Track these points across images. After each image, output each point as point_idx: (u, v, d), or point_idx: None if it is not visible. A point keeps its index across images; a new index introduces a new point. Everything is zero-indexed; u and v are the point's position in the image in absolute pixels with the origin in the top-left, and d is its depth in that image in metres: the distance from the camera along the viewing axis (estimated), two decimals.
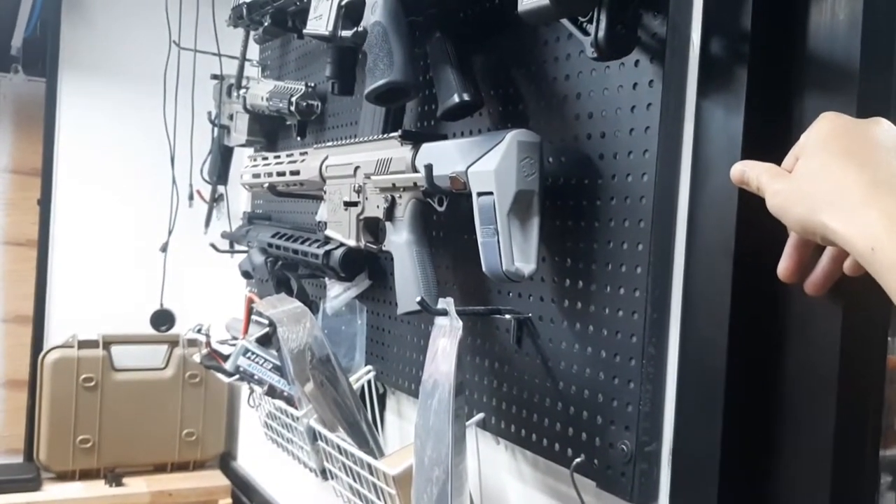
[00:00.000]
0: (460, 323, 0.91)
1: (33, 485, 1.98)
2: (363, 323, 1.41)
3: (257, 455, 2.10)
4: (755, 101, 0.74)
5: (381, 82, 0.97)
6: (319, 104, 1.57)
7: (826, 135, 0.60)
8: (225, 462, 2.22)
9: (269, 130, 1.81)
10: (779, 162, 0.64)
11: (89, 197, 2.14)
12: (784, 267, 0.68)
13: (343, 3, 1.10)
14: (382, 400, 1.40)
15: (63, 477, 2.04)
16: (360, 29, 1.05)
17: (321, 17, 1.14)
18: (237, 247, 1.84)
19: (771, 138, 0.74)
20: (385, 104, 1.07)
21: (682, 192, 0.81)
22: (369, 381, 1.38)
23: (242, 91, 1.75)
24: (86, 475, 2.05)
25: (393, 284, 1.32)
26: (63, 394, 2.02)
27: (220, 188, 2.05)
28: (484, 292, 1.08)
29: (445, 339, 0.96)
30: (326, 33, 1.12)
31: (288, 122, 1.67)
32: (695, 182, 0.79)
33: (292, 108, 1.56)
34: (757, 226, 0.69)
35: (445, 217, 1.07)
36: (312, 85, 1.57)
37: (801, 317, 0.74)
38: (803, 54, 0.75)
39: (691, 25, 0.81)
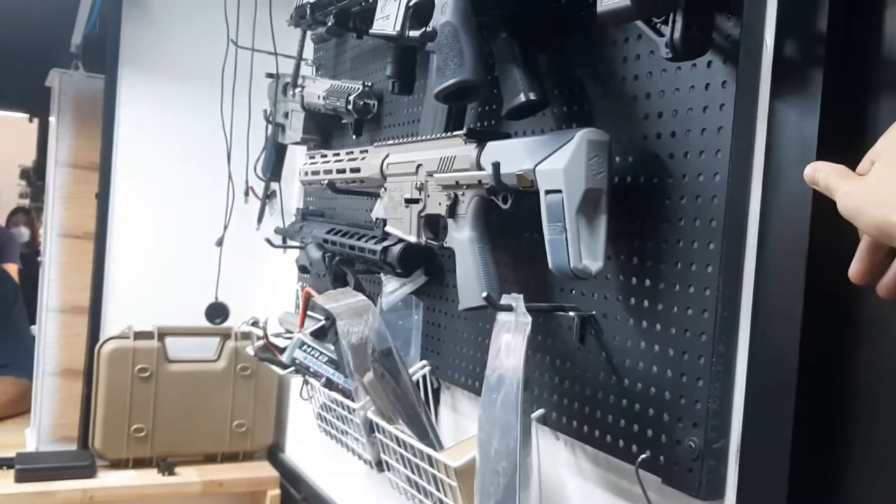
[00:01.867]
0: (529, 318, 0.93)
1: (88, 472, 2.02)
2: (419, 318, 1.43)
3: (305, 447, 2.13)
4: (830, 104, 0.75)
5: (451, 81, 0.98)
6: (376, 103, 1.60)
7: None
8: (273, 453, 2.25)
9: (324, 129, 1.84)
10: (854, 164, 0.64)
11: (146, 191, 2.18)
12: (855, 269, 0.68)
13: (412, 3, 1.12)
14: (437, 395, 1.42)
15: (117, 465, 2.08)
16: (429, 29, 1.06)
17: (388, 18, 1.16)
18: (290, 242, 1.87)
19: (846, 141, 0.74)
20: (453, 103, 1.09)
21: (753, 192, 0.82)
22: (424, 376, 1.40)
23: (298, 89, 1.78)
24: (139, 463, 2.09)
25: (449, 281, 1.35)
26: (118, 383, 2.07)
27: (274, 185, 2.09)
28: (545, 290, 1.09)
29: (509, 334, 0.97)
30: (394, 33, 1.14)
31: (344, 121, 1.70)
32: (767, 183, 0.79)
33: (350, 107, 1.59)
34: (831, 226, 0.70)
35: (506, 215, 1.08)
36: (369, 84, 1.60)
37: (875, 317, 0.74)
38: (879, 57, 0.75)
39: (765, 27, 0.81)
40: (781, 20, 0.79)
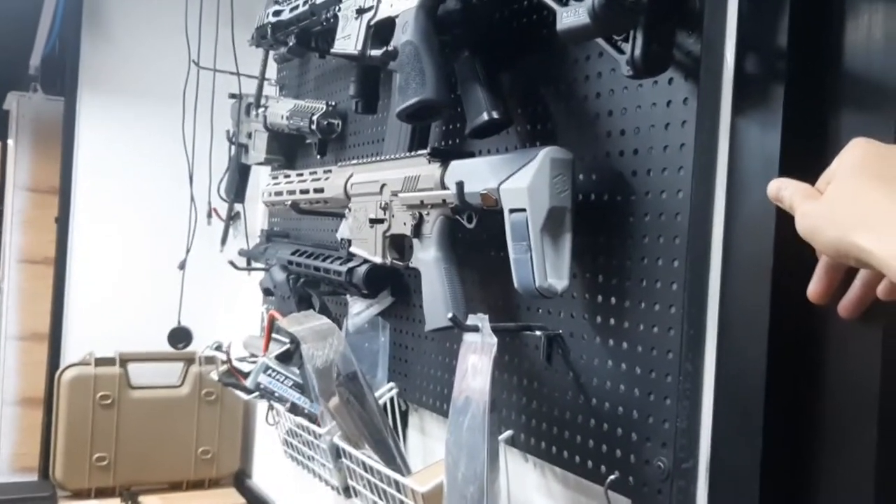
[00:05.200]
0: (495, 339, 0.91)
1: (49, 503, 1.97)
2: (386, 340, 1.41)
3: (272, 473, 2.09)
4: (792, 119, 0.75)
5: (413, 101, 0.97)
6: (340, 123, 1.58)
7: (858, 160, 0.60)
8: (240, 480, 2.21)
9: (288, 149, 1.82)
10: (816, 180, 0.64)
11: (107, 215, 2.15)
12: (814, 290, 0.68)
13: (372, 22, 1.11)
14: (405, 417, 1.40)
15: (79, 495, 2.04)
16: (390, 48, 1.05)
17: (349, 37, 1.15)
18: (255, 264, 1.84)
19: (808, 156, 0.74)
20: (416, 122, 1.08)
21: (717, 208, 0.81)
22: (392, 399, 1.38)
23: (262, 110, 1.76)
24: (102, 493, 2.05)
25: (416, 301, 1.33)
26: (79, 411, 2.02)
27: (237, 206, 2.06)
28: (512, 309, 1.08)
29: (476, 355, 0.96)
30: (355, 52, 1.13)
31: (308, 141, 1.68)
32: (731, 199, 0.79)
33: (313, 127, 1.57)
34: (795, 242, 0.69)
35: (472, 234, 1.07)
36: (333, 104, 1.58)
37: (842, 332, 0.73)
38: (840, 72, 0.75)
39: (725, 43, 0.81)
40: (742, 36, 0.79)
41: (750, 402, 0.76)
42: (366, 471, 1.20)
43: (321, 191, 1.36)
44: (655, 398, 0.85)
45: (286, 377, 1.48)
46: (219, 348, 1.68)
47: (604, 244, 0.92)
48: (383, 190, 1.19)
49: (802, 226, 0.61)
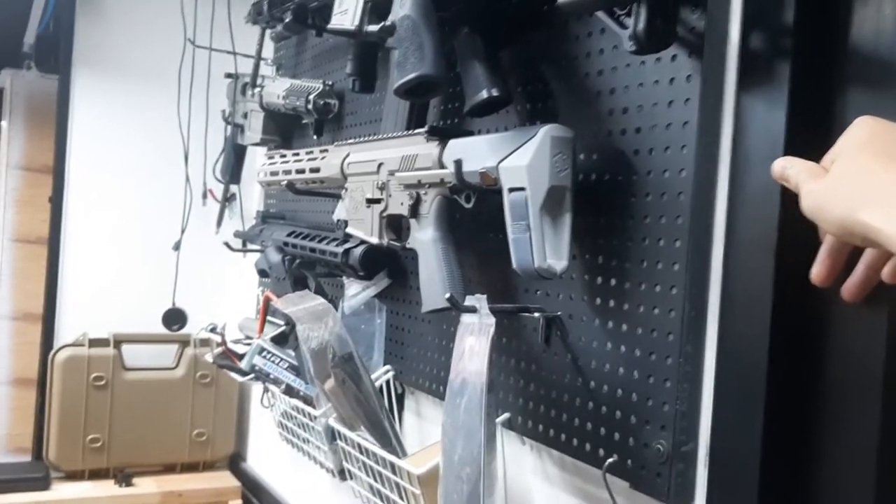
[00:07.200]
0: (493, 319, 0.90)
1: (42, 484, 1.96)
2: (382, 322, 1.39)
3: (267, 456, 2.09)
4: (798, 97, 0.73)
5: (411, 76, 0.95)
6: (337, 102, 1.56)
7: (863, 137, 0.59)
8: (234, 463, 2.20)
9: (284, 129, 1.81)
10: (821, 159, 0.63)
11: (101, 194, 2.13)
12: (817, 272, 0.67)
13: None
14: (401, 400, 1.39)
15: (72, 476, 2.02)
16: (388, 23, 1.04)
17: (346, 12, 1.13)
18: (250, 246, 1.83)
19: (814, 135, 0.73)
20: (414, 99, 1.06)
21: (720, 188, 0.80)
22: (388, 381, 1.37)
23: (258, 89, 1.74)
24: (95, 475, 2.04)
25: (413, 283, 1.32)
26: (73, 392, 2.01)
27: (233, 187, 2.05)
28: (510, 290, 1.07)
29: (473, 337, 0.95)
30: (352, 28, 1.11)
31: (304, 121, 1.67)
32: (734, 178, 0.78)
33: (310, 107, 1.55)
34: (800, 222, 0.68)
35: (470, 214, 1.06)
36: (330, 83, 1.57)
37: (845, 315, 0.72)
38: (847, 49, 0.74)
39: (730, 20, 0.80)
40: (747, 12, 0.77)
41: (751, 385, 0.75)
42: (361, 453, 1.19)
43: (317, 170, 1.34)
44: (655, 380, 0.83)
45: (281, 359, 1.47)
46: (214, 330, 1.67)
47: (604, 224, 0.91)
48: (380, 169, 1.17)
49: (808, 204, 0.60)
